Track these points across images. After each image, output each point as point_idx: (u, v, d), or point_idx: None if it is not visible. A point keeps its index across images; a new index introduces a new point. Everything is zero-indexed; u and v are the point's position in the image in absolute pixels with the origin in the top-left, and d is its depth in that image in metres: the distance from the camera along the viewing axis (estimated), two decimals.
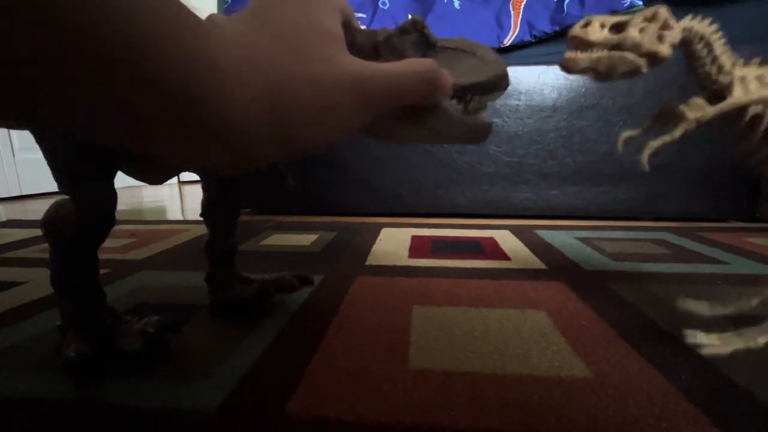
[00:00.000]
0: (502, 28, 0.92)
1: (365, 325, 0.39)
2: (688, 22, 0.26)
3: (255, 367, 0.31)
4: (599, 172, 0.93)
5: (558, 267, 0.57)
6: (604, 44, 0.25)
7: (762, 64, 0.27)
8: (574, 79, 0.89)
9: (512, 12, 0.91)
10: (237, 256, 0.44)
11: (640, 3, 0.85)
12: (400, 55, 0.25)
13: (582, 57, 0.26)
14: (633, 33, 0.25)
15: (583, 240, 0.73)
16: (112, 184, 0.32)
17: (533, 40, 0.92)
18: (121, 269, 0.58)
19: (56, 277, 0.31)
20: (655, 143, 0.27)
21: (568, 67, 0.26)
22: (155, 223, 0.98)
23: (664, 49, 0.25)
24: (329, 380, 0.30)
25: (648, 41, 0.25)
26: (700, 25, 0.26)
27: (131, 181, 0.40)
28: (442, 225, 0.90)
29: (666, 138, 0.27)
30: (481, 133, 0.26)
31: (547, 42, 0.92)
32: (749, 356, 0.32)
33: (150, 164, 0.35)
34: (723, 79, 0.26)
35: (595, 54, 0.25)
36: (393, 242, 0.73)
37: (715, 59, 0.26)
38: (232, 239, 0.43)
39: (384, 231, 0.83)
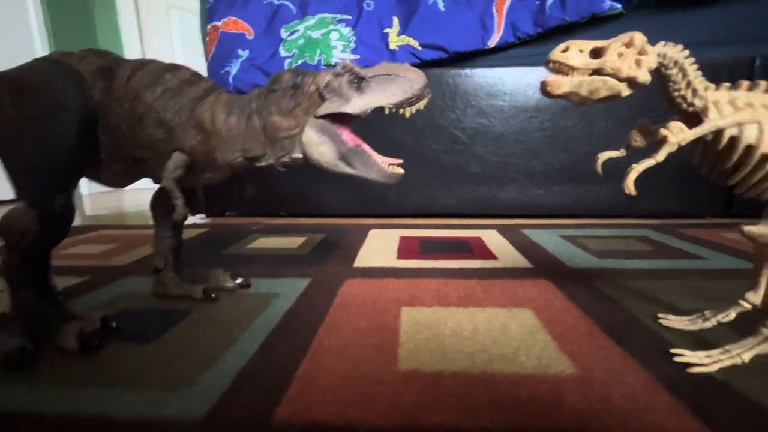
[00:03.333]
0: (486, 29, 0.93)
1: (354, 327, 0.39)
2: (662, 47, 0.27)
3: (243, 373, 0.31)
4: (583, 172, 0.95)
5: (544, 265, 0.58)
6: (584, 69, 0.26)
7: (731, 88, 0.28)
8: None
9: (495, 14, 0.92)
10: (183, 250, 0.49)
11: (619, 6, 0.87)
12: (340, 94, 0.35)
13: (564, 81, 0.26)
14: (612, 58, 0.26)
15: (568, 238, 0.75)
16: (72, 197, 0.36)
17: (517, 42, 0.93)
18: (102, 276, 0.56)
19: (9, 273, 0.34)
20: (640, 166, 0.27)
21: (549, 91, 0.27)
22: (138, 228, 0.96)
23: (643, 75, 0.26)
24: (318, 384, 0.29)
25: (627, 66, 0.25)
26: (674, 51, 0.27)
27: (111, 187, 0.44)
28: (430, 225, 0.90)
29: (650, 161, 0.27)
30: (393, 178, 0.38)
31: (531, 43, 0.94)
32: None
33: (113, 173, 0.41)
34: (698, 102, 0.27)
35: (577, 78, 0.26)
36: (381, 243, 0.73)
37: (689, 83, 0.27)
38: (179, 235, 0.48)
39: (372, 232, 0.83)
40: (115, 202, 1.62)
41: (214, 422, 0.25)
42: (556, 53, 0.27)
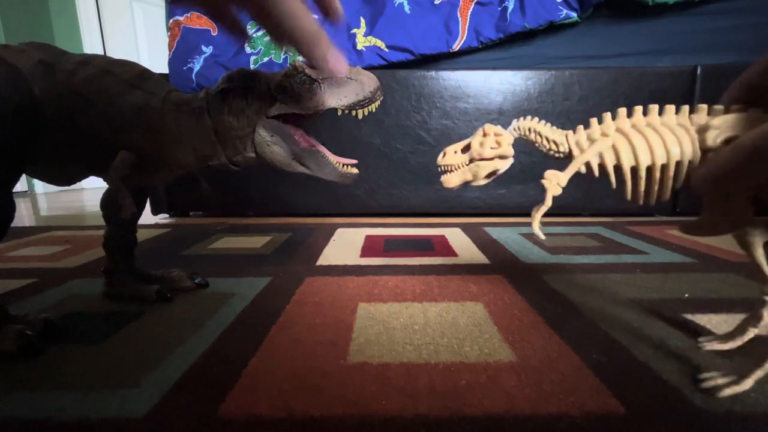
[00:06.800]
0: (451, 33, 0.95)
1: (308, 324, 0.39)
2: (515, 123, 0.33)
3: (190, 371, 0.31)
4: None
5: (500, 261, 0.60)
6: (462, 163, 0.33)
7: (586, 128, 0.32)
8: (518, 83, 0.95)
9: (459, 19, 0.95)
10: (136, 250, 0.47)
11: (575, 15, 0.91)
12: (291, 95, 0.35)
13: (452, 176, 0.34)
14: (476, 148, 0.33)
15: (526, 236, 0.78)
16: (10, 195, 0.34)
17: (480, 47, 0.96)
18: (50, 278, 0.54)
19: None
20: (537, 214, 0.32)
21: (446, 187, 0.34)
22: (93, 228, 0.92)
23: (505, 150, 0.32)
24: (265, 380, 0.30)
25: (488, 149, 0.32)
26: (524, 122, 0.33)
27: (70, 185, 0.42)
28: (397, 224, 0.92)
29: (542, 207, 0.32)
30: (348, 179, 0.39)
31: (493, 48, 0.97)
32: (650, 337, 0.36)
33: (56, 171, 0.39)
34: (562, 149, 0.32)
35: (459, 171, 0.33)
36: (346, 242, 0.74)
37: (548, 139, 0.32)
38: (131, 235, 0.46)
39: (339, 231, 0.83)
40: (74, 201, 1.55)
41: (153, 421, 0.25)
42: (439, 159, 0.34)
